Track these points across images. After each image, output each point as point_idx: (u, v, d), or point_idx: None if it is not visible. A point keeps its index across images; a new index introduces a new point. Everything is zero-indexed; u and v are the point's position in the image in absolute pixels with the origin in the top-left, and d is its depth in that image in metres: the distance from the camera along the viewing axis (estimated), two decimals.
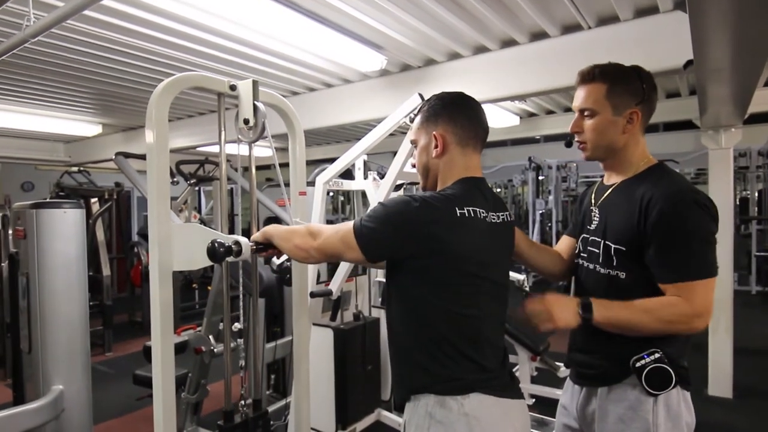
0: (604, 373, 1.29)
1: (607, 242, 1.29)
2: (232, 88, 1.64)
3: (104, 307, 5.18)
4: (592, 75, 1.31)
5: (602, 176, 1.46)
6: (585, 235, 1.39)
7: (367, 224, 1.17)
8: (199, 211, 8.85)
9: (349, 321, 2.70)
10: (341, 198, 8.88)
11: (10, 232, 3.17)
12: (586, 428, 1.36)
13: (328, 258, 1.31)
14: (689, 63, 2.30)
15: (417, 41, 2.84)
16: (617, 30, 2.52)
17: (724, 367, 3.68)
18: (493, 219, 1.26)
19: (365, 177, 2.74)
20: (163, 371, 1.44)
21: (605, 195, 1.36)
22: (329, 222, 5.59)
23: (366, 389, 2.75)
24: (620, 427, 1.23)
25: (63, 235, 2.30)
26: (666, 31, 2.40)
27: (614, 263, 1.27)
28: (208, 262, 1.42)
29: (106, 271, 5.29)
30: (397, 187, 2.51)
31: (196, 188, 7.60)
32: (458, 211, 1.17)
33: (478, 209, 1.21)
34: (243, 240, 1.42)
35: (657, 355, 1.20)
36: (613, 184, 1.35)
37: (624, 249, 1.25)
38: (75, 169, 6.57)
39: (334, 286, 2.45)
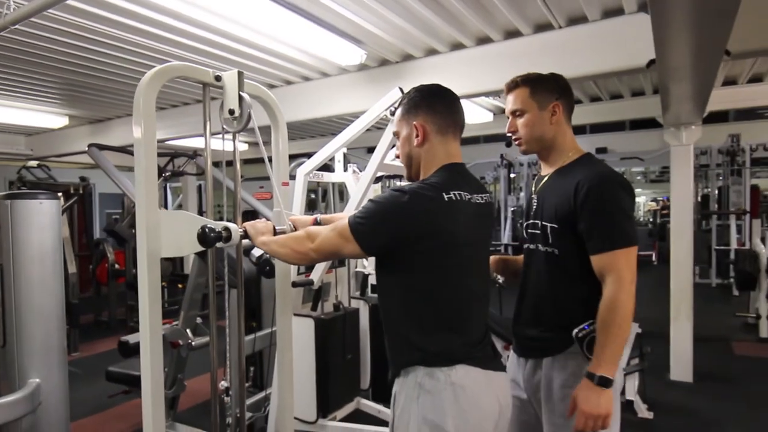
0: (548, 344, 1.43)
1: (543, 222, 1.46)
2: (217, 78, 1.65)
3: (70, 305, 5.00)
4: (515, 83, 1.50)
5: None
6: (528, 221, 1.55)
7: (361, 220, 1.23)
8: (165, 207, 8.62)
9: (329, 311, 2.73)
10: (312, 196, 8.74)
11: None
12: (532, 396, 1.49)
13: (327, 256, 1.37)
14: (652, 62, 2.44)
15: (395, 36, 2.90)
16: (586, 30, 2.64)
17: (684, 354, 3.89)
18: (477, 200, 1.34)
19: (345, 169, 2.78)
20: (152, 360, 1.45)
21: (542, 183, 1.53)
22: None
23: (346, 378, 2.79)
24: (566, 391, 1.36)
25: (39, 226, 2.23)
26: (631, 32, 2.53)
27: (549, 241, 1.44)
28: (196, 249, 1.44)
29: (72, 268, 5.08)
30: (377, 180, 2.55)
31: (163, 184, 7.41)
32: (446, 196, 1.24)
33: (462, 192, 1.29)
34: (232, 226, 1.46)
35: (594, 325, 1.33)
36: (549, 174, 1.52)
37: (556, 227, 1.41)
38: (34, 163, 6.29)
39: (315, 276, 2.48)
